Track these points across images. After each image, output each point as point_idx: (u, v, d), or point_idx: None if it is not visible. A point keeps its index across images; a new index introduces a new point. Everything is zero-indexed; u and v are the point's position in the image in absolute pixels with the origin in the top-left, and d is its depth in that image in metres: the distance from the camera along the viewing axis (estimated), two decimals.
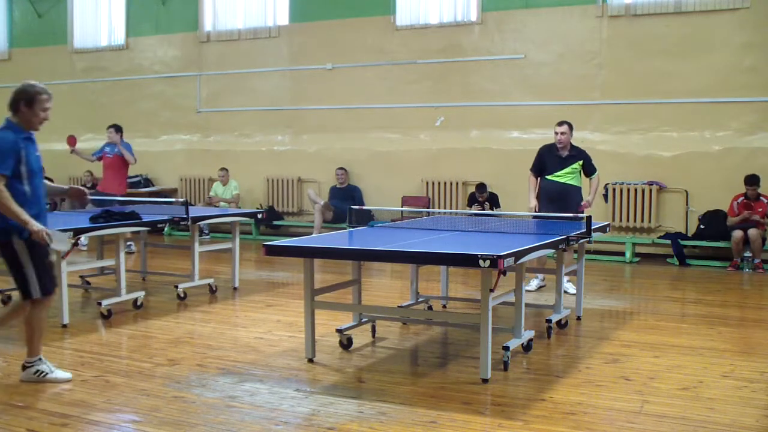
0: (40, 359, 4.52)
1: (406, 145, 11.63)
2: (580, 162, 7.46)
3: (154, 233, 11.45)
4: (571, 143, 7.49)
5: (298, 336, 5.48)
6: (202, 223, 7.62)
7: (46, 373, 4.50)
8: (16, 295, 6.96)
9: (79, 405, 4.12)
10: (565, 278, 7.07)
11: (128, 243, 9.81)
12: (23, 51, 14.73)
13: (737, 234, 9.11)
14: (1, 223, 4.29)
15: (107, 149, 10.06)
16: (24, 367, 4.53)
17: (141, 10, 13.56)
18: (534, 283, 7.64)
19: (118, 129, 9.98)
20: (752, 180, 9.18)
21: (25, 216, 4.23)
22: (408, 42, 11.52)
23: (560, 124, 7.47)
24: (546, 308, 6.26)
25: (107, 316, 6.27)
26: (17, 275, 4.38)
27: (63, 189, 5.14)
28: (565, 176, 7.40)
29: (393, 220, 9.84)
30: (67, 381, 4.50)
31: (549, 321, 5.74)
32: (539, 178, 7.51)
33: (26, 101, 4.32)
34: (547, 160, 7.49)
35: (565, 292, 6.92)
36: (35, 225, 4.26)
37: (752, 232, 9.02)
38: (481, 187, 10.38)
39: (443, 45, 11.27)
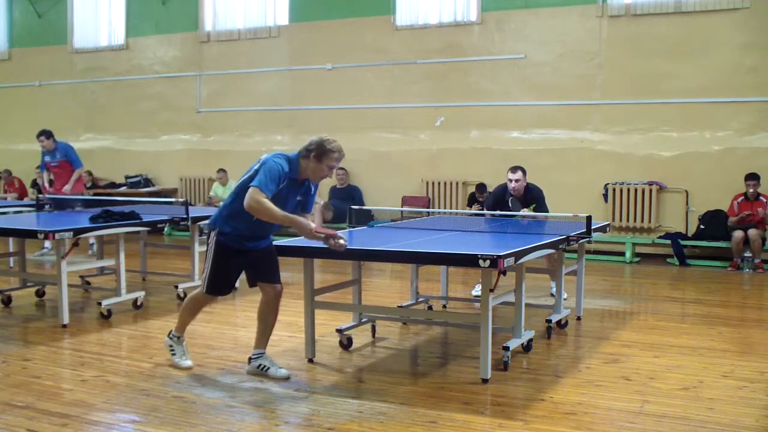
0: (179, 338, 4.84)
1: (406, 145, 11.63)
2: (532, 206, 6.99)
3: (154, 233, 11.45)
4: (527, 185, 7.07)
5: (298, 336, 5.48)
6: (202, 223, 7.61)
7: (175, 356, 4.80)
8: (18, 295, 7.01)
9: (79, 405, 4.12)
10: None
11: (43, 248, 9.64)
12: (23, 51, 14.73)
13: (738, 234, 9.11)
14: (218, 214, 4.56)
15: (47, 158, 9.61)
16: (168, 334, 4.90)
17: (141, 10, 13.57)
18: (479, 288, 7.35)
19: (48, 135, 9.50)
20: (752, 176, 9.18)
21: (291, 217, 4.28)
22: (408, 42, 11.52)
23: (514, 170, 7.02)
24: (546, 308, 6.25)
25: (107, 316, 6.26)
26: (205, 265, 4.62)
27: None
28: None
29: (393, 220, 9.83)
30: (188, 368, 4.76)
31: (549, 321, 5.74)
32: None
33: (317, 154, 4.33)
34: (499, 202, 7.12)
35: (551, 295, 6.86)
36: (305, 224, 4.31)
37: (752, 232, 9.02)
38: (481, 187, 10.38)
39: (443, 45, 11.27)
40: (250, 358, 4.73)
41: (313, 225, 4.38)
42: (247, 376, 4.65)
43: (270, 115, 12.46)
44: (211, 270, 4.54)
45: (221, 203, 4.63)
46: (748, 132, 9.74)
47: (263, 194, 4.20)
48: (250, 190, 4.22)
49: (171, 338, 4.85)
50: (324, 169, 4.37)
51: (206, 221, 4.79)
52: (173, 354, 4.82)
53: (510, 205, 7.00)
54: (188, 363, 4.78)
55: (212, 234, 4.51)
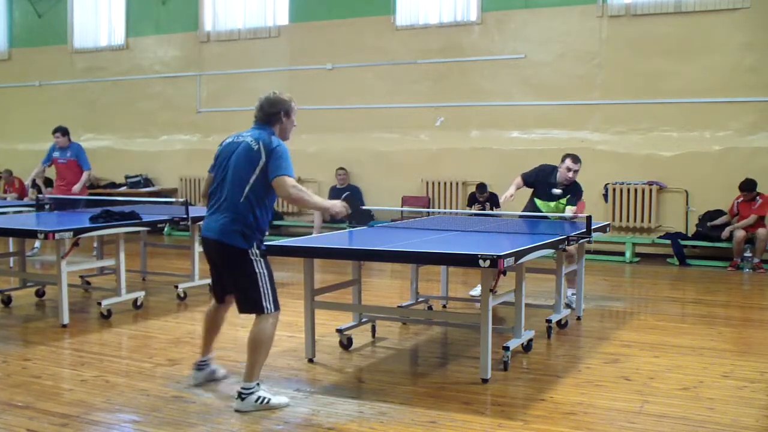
0: (258, 384, 4.05)
1: (406, 145, 11.62)
2: (567, 197, 6.77)
3: (154, 233, 11.45)
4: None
5: (298, 336, 5.48)
6: (202, 223, 7.61)
7: (269, 399, 4.03)
8: (18, 295, 7.01)
9: (79, 405, 4.12)
10: (570, 290, 6.70)
11: (33, 248, 9.63)
12: (23, 51, 14.73)
13: (739, 234, 9.11)
14: (239, 230, 3.99)
15: (56, 154, 9.54)
16: (240, 396, 4.00)
17: (141, 10, 13.57)
18: (479, 289, 7.28)
19: (65, 132, 9.46)
20: (747, 186, 9.16)
21: (325, 202, 4.30)
22: (408, 42, 11.52)
23: (576, 160, 6.69)
24: (546, 308, 6.26)
25: (107, 316, 6.26)
26: (251, 291, 4.02)
27: None
28: (546, 208, 6.83)
29: (393, 220, 9.84)
30: (287, 406, 4.06)
31: (549, 321, 5.74)
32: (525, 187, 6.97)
33: (286, 111, 4.20)
34: (540, 180, 6.86)
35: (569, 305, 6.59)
36: (335, 205, 4.28)
37: (761, 231, 9.00)
38: (481, 187, 10.37)
39: (443, 45, 11.27)
40: (241, 393, 4.04)
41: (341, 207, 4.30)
42: None
43: None
44: (271, 282, 4.06)
45: (224, 215, 4.03)
46: (748, 132, 9.74)
47: (293, 179, 4.01)
48: (284, 180, 3.93)
49: (252, 390, 4.01)
50: (294, 122, 4.28)
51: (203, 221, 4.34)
52: (268, 401, 4.01)
53: (552, 191, 6.76)
54: (285, 399, 4.12)
55: (257, 256, 4.02)
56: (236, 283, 4.09)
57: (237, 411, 3.97)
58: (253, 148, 4.05)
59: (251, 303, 4.05)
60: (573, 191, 6.81)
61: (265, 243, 4.17)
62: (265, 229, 4.15)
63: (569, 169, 6.69)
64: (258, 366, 4.03)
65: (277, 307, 4.07)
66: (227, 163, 4.14)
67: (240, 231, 4.00)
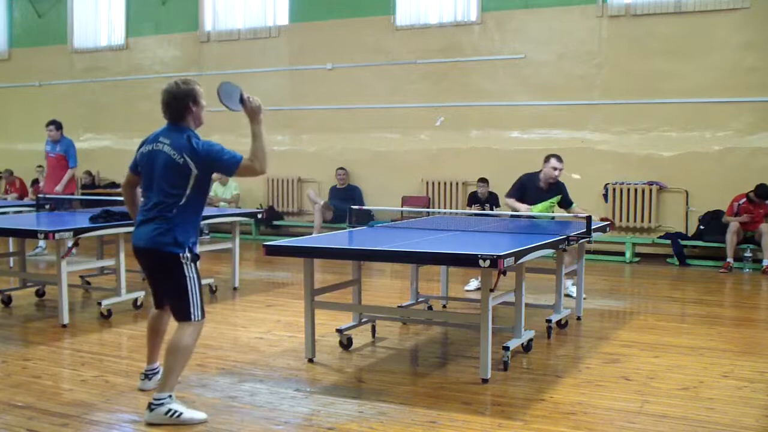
0: (170, 396, 3.83)
1: (406, 145, 11.63)
2: (559, 196, 7.10)
3: None
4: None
5: (298, 336, 5.48)
6: (201, 223, 7.60)
7: (180, 413, 3.80)
8: (18, 295, 7.01)
9: (79, 405, 4.12)
10: (569, 281, 7.02)
11: (36, 248, 9.63)
12: (23, 51, 14.73)
13: (734, 225, 9.05)
14: (171, 239, 3.83)
15: (48, 148, 9.58)
16: (150, 407, 3.81)
17: (141, 10, 13.57)
18: (473, 284, 7.53)
19: (59, 126, 9.48)
20: (764, 193, 9.05)
21: (259, 117, 4.31)
22: (408, 42, 11.52)
23: (560, 160, 7.11)
24: (546, 308, 6.26)
25: (107, 316, 6.26)
26: (181, 296, 3.87)
27: None
28: (541, 209, 7.02)
29: (393, 220, 9.84)
30: (204, 421, 3.84)
31: (549, 321, 5.74)
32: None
33: (194, 100, 4.07)
34: (528, 190, 7.16)
35: (568, 295, 6.91)
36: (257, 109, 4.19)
37: (765, 226, 8.96)
38: (483, 181, 10.39)
39: (443, 45, 11.27)
40: (151, 405, 3.83)
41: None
42: (247, 376, 4.64)
43: (270, 115, 12.31)
44: (199, 290, 3.93)
45: (155, 224, 3.84)
46: (748, 132, 9.74)
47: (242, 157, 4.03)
48: (239, 160, 4.03)
49: (162, 401, 3.78)
50: (203, 106, 4.13)
51: (203, 221, 4.15)
52: (179, 415, 3.77)
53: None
54: (203, 414, 3.89)
55: (188, 261, 3.87)
56: (168, 289, 3.97)
57: (147, 423, 3.79)
58: (179, 162, 3.87)
59: (180, 310, 3.91)
60: (560, 191, 7.19)
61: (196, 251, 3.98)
62: (198, 227, 4.03)
63: (555, 168, 7.08)
64: (174, 375, 3.82)
65: (203, 316, 3.93)
66: (151, 173, 3.94)
67: (173, 240, 3.85)
